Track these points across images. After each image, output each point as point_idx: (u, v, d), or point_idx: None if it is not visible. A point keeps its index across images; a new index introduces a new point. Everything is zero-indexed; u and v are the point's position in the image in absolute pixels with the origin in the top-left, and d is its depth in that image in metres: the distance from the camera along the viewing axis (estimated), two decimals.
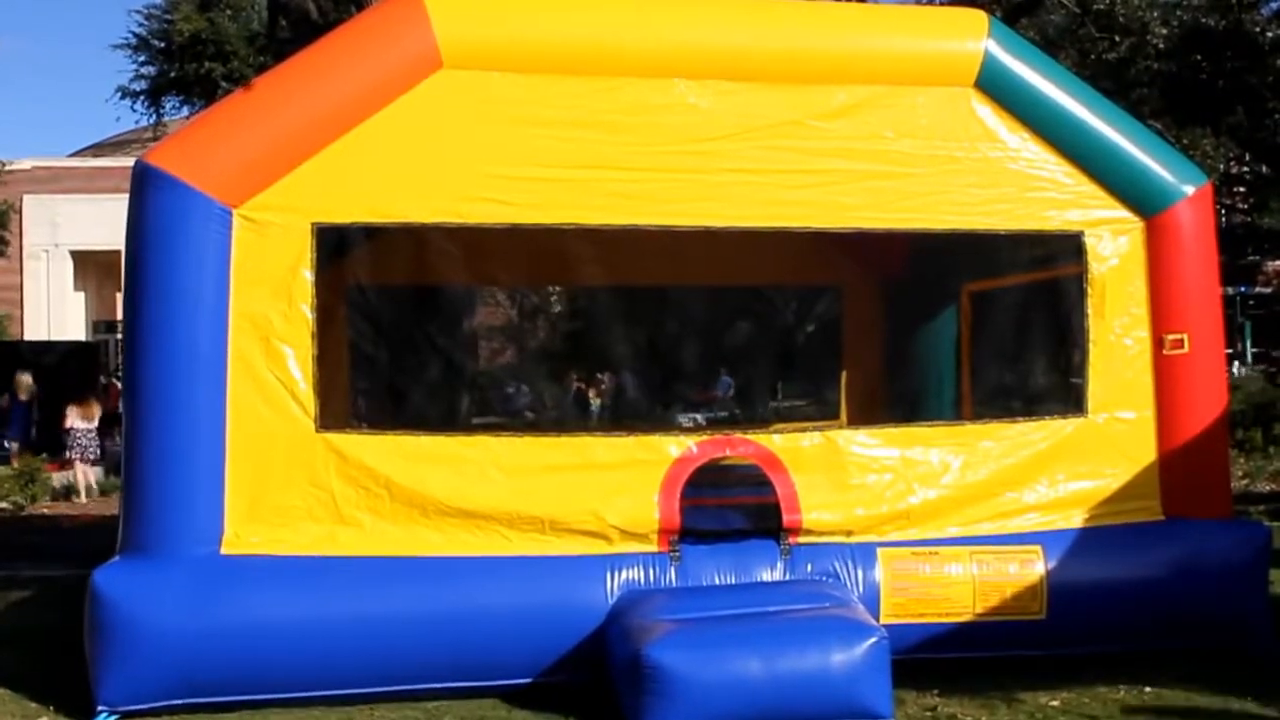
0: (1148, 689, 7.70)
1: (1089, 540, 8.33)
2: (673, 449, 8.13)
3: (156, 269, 7.54)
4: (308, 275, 7.71)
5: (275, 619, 7.39)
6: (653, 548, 7.92)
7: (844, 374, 11.74)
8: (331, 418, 7.96)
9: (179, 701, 7.32)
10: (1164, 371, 8.62)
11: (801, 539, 8.07)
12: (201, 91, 22.54)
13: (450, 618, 7.53)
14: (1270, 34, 21.21)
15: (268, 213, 7.65)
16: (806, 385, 12.64)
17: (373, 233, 8.47)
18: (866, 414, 10.92)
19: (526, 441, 8.19)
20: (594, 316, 12.52)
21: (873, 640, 7.08)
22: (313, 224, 7.71)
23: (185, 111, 24.42)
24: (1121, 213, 8.65)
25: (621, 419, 11.89)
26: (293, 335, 7.69)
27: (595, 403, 13.59)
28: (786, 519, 8.06)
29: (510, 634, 7.57)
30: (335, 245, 8.17)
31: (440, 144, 7.92)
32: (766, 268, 10.97)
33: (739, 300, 12.49)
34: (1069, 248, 8.70)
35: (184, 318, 7.52)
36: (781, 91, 8.31)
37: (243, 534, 7.60)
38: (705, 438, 8.30)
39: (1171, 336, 8.59)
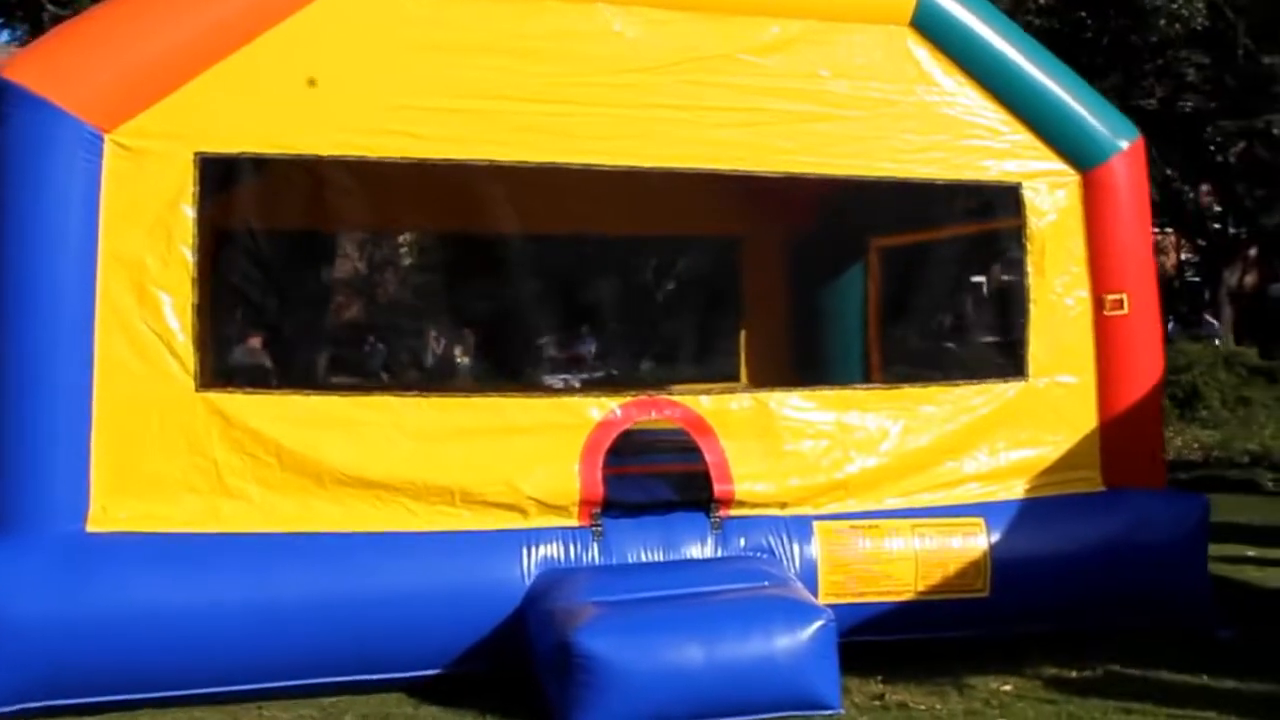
0: (1099, 670, 7.27)
1: (1032, 512, 7.85)
2: (594, 412, 7.43)
3: (12, 201, 6.51)
4: (189, 212, 6.79)
5: (150, 606, 6.49)
6: (573, 521, 7.23)
7: (743, 334, 11.14)
8: (214, 375, 7.07)
9: (38, 705, 6.38)
10: (1103, 334, 8.21)
11: (733, 511, 7.45)
12: (25, 14, 20.46)
13: (349, 601, 6.74)
14: None
15: (145, 139, 6.71)
16: (701, 345, 11.93)
17: (264, 166, 7.57)
18: (769, 377, 10.32)
19: (433, 402, 7.37)
20: (450, 266, 11.75)
21: (819, 623, 6.50)
22: (196, 154, 6.80)
23: (4, 37, 22.49)
24: (1058, 165, 8.23)
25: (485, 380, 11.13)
26: (170, 280, 6.77)
27: (463, 361, 12.83)
28: (717, 489, 7.42)
29: (416, 618, 6.83)
30: (221, 179, 7.23)
31: (338, 69, 7.07)
32: (659, 216, 10.28)
33: (626, 251, 11.77)
34: (1006, 200, 8.26)
35: (44, 258, 6.53)
36: (712, 21, 7.67)
37: (111, 509, 6.67)
38: (629, 399, 7.61)
39: (1111, 297, 8.19)
